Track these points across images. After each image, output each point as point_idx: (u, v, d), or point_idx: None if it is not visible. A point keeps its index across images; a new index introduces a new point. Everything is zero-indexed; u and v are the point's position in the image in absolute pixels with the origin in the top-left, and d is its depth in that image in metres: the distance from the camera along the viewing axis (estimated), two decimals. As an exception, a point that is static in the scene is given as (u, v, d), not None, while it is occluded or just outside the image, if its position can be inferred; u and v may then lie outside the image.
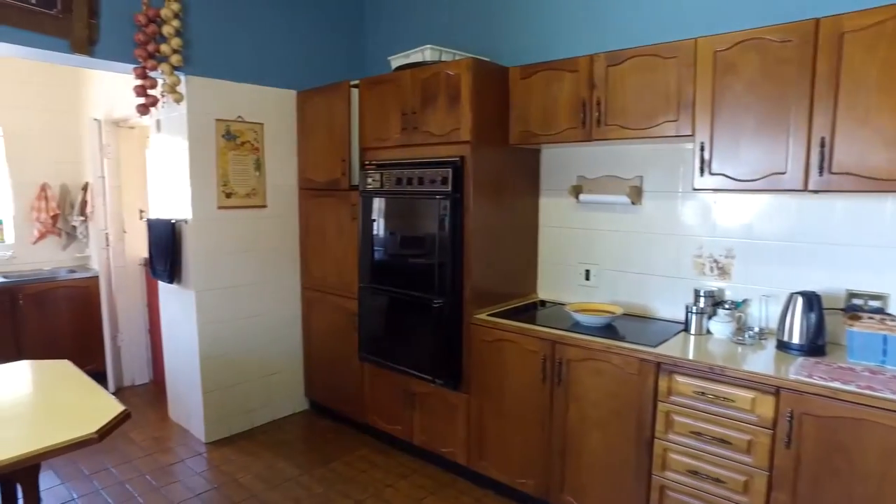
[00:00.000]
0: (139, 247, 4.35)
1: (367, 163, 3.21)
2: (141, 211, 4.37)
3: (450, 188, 2.75)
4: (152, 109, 3.10)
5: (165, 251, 3.40)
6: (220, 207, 3.37)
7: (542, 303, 3.17)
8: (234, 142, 3.40)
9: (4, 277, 4.25)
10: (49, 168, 4.62)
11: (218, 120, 3.32)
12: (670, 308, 2.76)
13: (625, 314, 2.77)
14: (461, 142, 2.77)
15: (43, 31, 2.71)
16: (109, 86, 4.11)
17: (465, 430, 2.91)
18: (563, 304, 3.03)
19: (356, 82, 3.28)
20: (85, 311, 4.36)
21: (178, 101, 3.11)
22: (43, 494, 2.91)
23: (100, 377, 4.20)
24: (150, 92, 3.05)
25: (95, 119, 4.17)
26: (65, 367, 2.09)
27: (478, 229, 2.81)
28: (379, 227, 3.18)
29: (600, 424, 2.40)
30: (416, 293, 2.96)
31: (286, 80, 3.65)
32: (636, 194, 2.80)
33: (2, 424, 1.62)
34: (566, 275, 3.14)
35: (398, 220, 3.11)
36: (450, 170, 2.75)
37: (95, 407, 1.69)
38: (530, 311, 3.00)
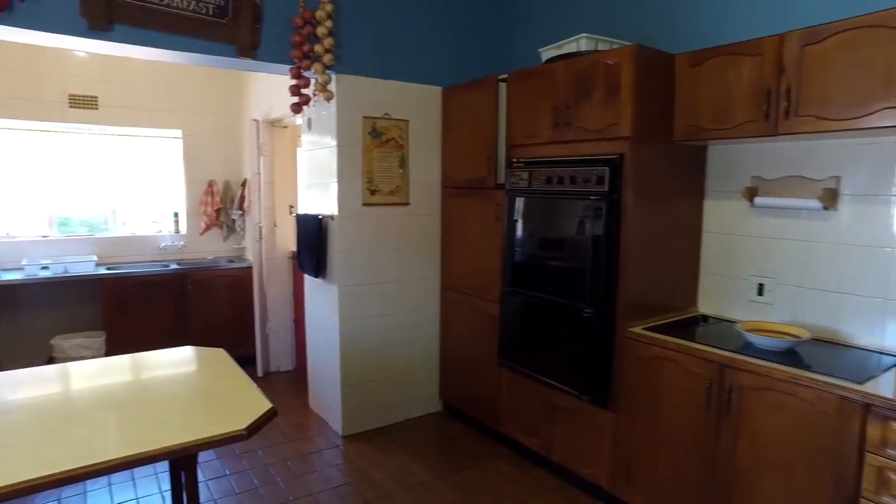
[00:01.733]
0: (288, 240, 4.58)
1: (514, 161, 3.06)
2: (291, 206, 4.61)
3: (606, 188, 2.51)
4: (305, 108, 3.20)
5: (312, 246, 3.51)
6: (364, 204, 3.40)
7: (704, 318, 2.81)
8: (379, 139, 3.42)
9: (178, 264, 4.69)
10: (215, 166, 5.05)
11: (365, 117, 3.36)
12: (873, 335, 2.29)
13: (812, 339, 2.34)
14: (619, 138, 2.52)
15: (216, 39, 2.89)
16: (267, 88, 4.36)
17: (611, 453, 2.66)
18: (730, 322, 2.67)
19: (504, 76, 3.15)
20: (240, 299, 4.68)
21: (328, 99, 3.17)
22: (201, 466, 3.13)
23: (249, 361, 4.49)
24: (303, 91, 3.15)
25: (254, 119, 4.44)
26: (220, 355, 2.19)
27: (635, 234, 2.54)
28: (525, 229, 3.02)
29: (780, 468, 2.04)
30: (564, 300, 2.76)
31: (432, 76, 3.61)
32: (830, 198, 2.37)
33: (167, 410, 1.72)
34: (733, 288, 2.76)
35: (546, 222, 2.92)
36: (606, 168, 2.51)
37: (245, 401, 1.73)
38: (690, 326, 2.67)
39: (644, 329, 2.54)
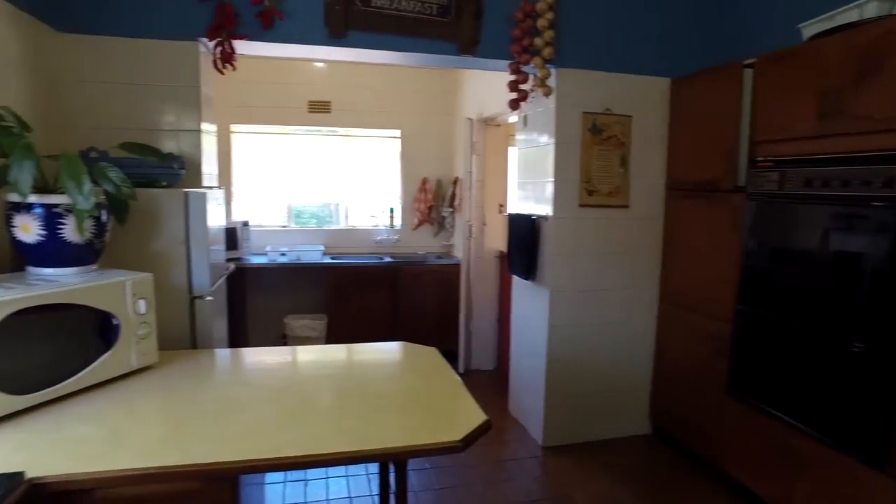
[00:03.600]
0: (497, 240, 4.57)
1: (760, 160, 2.60)
2: (500, 205, 4.59)
3: (898, 193, 1.99)
4: (522, 104, 3.11)
5: (523, 247, 3.41)
6: (580, 205, 3.21)
7: None
8: (599, 136, 3.19)
9: (391, 258, 4.99)
10: (429, 164, 5.28)
11: (584, 113, 3.16)
12: None
13: None
14: (921, 127, 1.97)
15: (438, 38, 2.95)
16: (481, 87, 4.39)
17: (884, 527, 2.11)
18: None
19: (750, 61, 2.70)
20: (446, 295, 4.79)
21: (546, 94, 3.04)
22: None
23: (452, 357, 4.56)
24: (521, 87, 3.06)
25: (468, 118, 4.50)
26: (432, 355, 2.16)
27: (939, 252, 1.97)
28: (771, 239, 2.56)
29: None
30: (823, 328, 2.27)
31: (659, 66, 3.28)
32: None
33: (383, 407, 1.71)
34: None
35: (801, 232, 2.43)
36: (900, 167, 1.99)
37: (459, 409, 1.67)
38: None
39: (945, 375, 1.97)
